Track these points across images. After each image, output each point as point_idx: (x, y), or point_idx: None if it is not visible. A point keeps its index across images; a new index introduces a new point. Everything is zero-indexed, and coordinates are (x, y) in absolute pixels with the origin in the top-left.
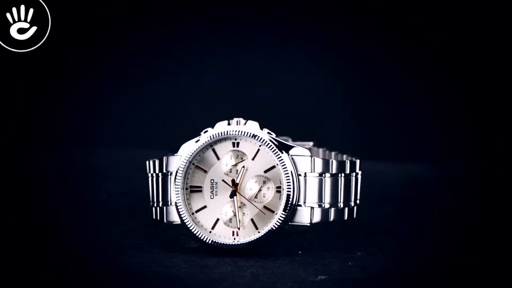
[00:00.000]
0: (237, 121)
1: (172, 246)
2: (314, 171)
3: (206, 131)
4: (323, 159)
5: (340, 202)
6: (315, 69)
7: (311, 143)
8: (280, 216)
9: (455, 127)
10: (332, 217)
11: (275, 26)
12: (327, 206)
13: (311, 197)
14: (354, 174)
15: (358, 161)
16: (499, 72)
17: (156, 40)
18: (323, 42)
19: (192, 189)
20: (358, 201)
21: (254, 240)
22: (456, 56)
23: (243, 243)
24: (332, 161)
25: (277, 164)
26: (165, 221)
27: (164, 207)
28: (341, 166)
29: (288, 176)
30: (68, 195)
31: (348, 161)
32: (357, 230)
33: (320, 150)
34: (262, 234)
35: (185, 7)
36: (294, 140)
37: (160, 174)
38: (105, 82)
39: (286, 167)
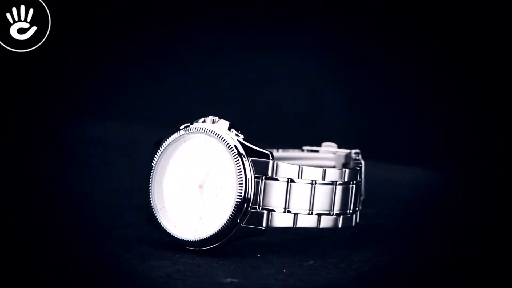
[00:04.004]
0: (212, 119)
1: (151, 238)
2: (275, 175)
3: (187, 126)
4: (291, 164)
5: (313, 209)
6: (315, 70)
7: (357, 150)
8: (230, 216)
9: (454, 127)
10: (300, 224)
11: (274, 26)
12: (294, 211)
13: (270, 201)
14: (337, 183)
15: (341, 171)
16: (499, 72)
17: (156, 40)
18: (323, 42)
19: (169, 183)
20: (350, 210)
21: (207, 237)
22: (456, 56)
23: (197, 240)
24: (302, 167)
25: (234, 165)
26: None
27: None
28: (312, 174)
29: (240, 178)
30: (68, 194)
31: (323, 169)
32: (348, 237)
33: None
34: (213, 232)
35: (185, 7)
36: (339, 147)
37: None
38: (105, 82)
39: (240, 169)
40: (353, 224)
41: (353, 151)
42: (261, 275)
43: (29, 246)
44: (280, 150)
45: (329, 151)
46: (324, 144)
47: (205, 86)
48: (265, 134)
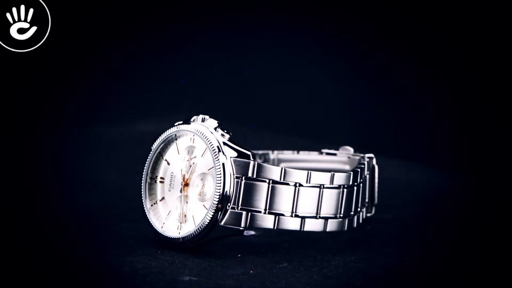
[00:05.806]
0: (202, 118)
1: (147, 234)
2: (257, 176)
3: (180, 124)
4: (274, 166)
5: (296, 212)
6: (314, 70)
7: (371, 155)
8: (207, 215)
9: (454, 128)
10: (282, 225)
11: (274, 26)
12: (276, 213)
13: (251, 202)
14: (324, 186)
15: (331, 174)
16: (499, 72)
17: (156, 40)
18: (323, 42)
19: (161, 180)
20: (340, 215)
21: (186, 236)
22: (456, 56)
23: (178, 237)
24: (285, 169)
25: (214, 165)
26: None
27: None
28: (296, 176)
29: (219, 177)
30: (68, 194)
31: (308, 172)
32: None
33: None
34: (192, 231)
35: (185, 7)
36: (355, 151)
37: None
38: (105, 82)
39: (219, 169)
40: (346, 228)
41: (367, 155)
42: (225, 275)
43: (29, 246)
44: (301, 152)
45: (345, 155)
46: (341, 147)
47: (206, 87)
48: (272, 134)
